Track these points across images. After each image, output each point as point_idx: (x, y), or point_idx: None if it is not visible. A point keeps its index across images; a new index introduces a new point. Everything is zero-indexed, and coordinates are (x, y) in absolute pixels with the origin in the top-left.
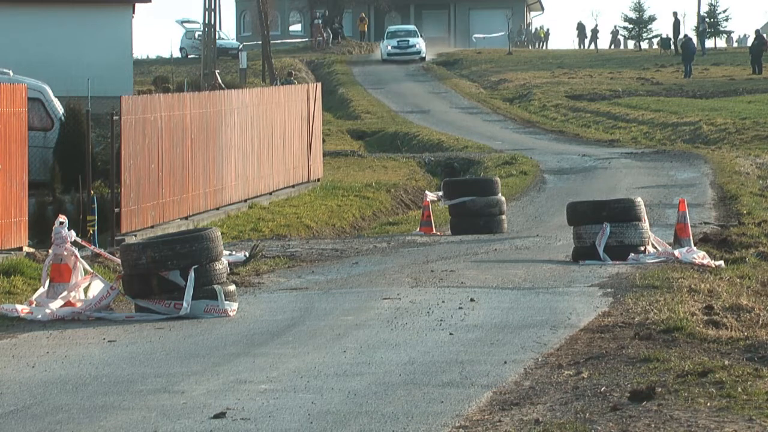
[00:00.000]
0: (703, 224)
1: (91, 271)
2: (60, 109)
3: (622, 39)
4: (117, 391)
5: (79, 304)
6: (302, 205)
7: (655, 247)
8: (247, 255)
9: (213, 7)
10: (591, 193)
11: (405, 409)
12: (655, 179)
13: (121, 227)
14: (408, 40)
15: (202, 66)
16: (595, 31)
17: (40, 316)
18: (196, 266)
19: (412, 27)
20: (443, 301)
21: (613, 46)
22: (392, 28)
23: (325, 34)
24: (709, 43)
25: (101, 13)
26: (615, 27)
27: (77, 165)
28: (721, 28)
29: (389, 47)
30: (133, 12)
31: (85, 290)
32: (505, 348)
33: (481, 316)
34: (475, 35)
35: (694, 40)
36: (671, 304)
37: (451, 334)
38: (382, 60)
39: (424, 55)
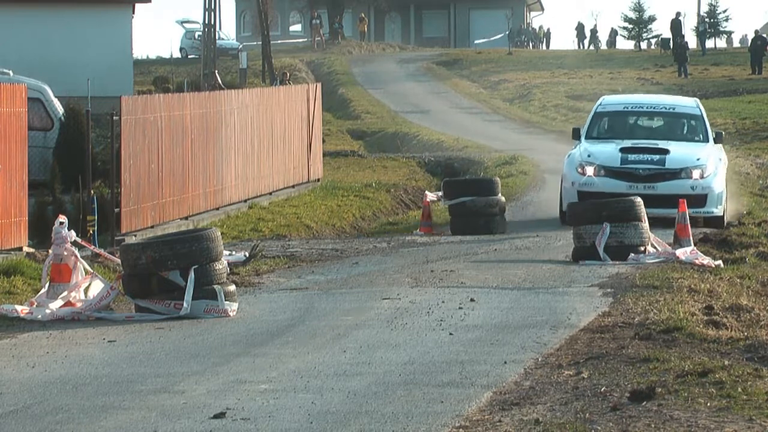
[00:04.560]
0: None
1: (91, 271)
2: (60, 109)
3: (620, 39)
4: (117, 391)
5: (79, 304)
6: (302, 205)
7: (655, 247)
8: (247, 255)
9: (213, 7)
10: None
11: (405, 409)
12: None
13: (121, 227)
14: (666, 151)
15: (202, 66)
16: (594, 32)
17: (40, 316)
18: (196, 266)
19: (690, 102)
20: (443, 301)
21: (603, 46)
22: (613, 99)
23: (322, 34)
24: (709, 44)
25: (101, 13)
26: (612, 29)
27: (77, 165)
28: (721, 29)
29: (592, 170)
30: (133, 12)
31: (85, 290)
32: (505, 348)
33: (481, 316)
34: (477, 41)
35: (694, 40)
36: (671, 304)
37: (451, 334)
38: (565, 217)
39: (720, 213)
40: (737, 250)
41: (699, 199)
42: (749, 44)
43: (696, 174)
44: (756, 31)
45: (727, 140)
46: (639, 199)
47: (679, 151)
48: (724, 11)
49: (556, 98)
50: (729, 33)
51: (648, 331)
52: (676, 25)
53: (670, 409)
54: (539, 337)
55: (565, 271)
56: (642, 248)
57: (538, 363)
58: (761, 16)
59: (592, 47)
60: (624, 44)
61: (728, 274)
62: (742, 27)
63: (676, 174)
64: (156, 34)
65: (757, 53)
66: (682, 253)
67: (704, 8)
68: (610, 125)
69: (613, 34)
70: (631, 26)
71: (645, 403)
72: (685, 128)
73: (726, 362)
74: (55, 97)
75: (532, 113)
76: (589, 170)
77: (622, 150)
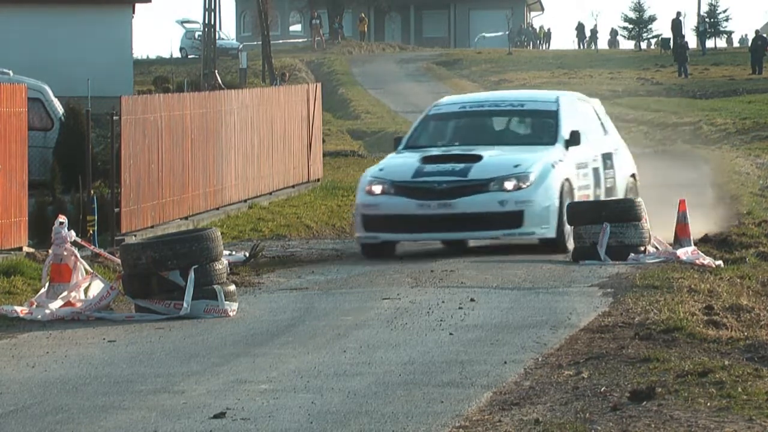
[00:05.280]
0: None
1: (91, 271)
2: (60, 109)
3: (621, 39)
4: (117, 391)
5: (79, 304)
6: (302, 205)
7: (656, 247)
8: (247, 255)
9: (213, 7)
10: None
11: (405, 409)
12: (655, 179)
13: (121, 227)
14: (477, 159)
15: (202, 66)
16: (594, 32)
17: (39, 317)
18: (196, 266)
19: (547, 97)
20: (443, 301)
21: (611, 46)
22: (452, 99)
23: (322, 34)
24: (709, 43)
25: (101, 13)
26: (612, 28)
27: (77, 165)
28: (721, 28)
29: (380, 188)
30: (133, 12)
31: (85, 290)
32: (505, 348)
33: (481, 316)
34: (482, 34)
35: (694, 40)
36: (671, 304)
37: (451, 334)
38: (364, 250)
39: (551, 233)
40: (737, 250)
41: (512, 218)
42: (749, 44)
43: (509, 185)
44: (756, 31)
45: (727, 140)
46: (639, 199)
47: (495, 158)
48: (724, 11)
49: None
50: (729, 33)
51: (648, 331)
52: (676, 25)
53: (670, 409)
54: (539, 337)
55: (565, 271)
56: (642, 248)
57: (538, 363)
58: (761, 16)
59: (592, 47)
60: (624, 44)
61: (728, 274)
62: (742, 27)
63: (481, 186)
64: (156, 34)
65: (758, 53)
66: (683, 253)
67: (704, 8)
68: (441, 131)
69: (614, 33)
70: (631, 26)
71: (645, 403)
72: (534, 129)
73: (726, 362)
74: (55, 97)
75: None
76: (377, 188)
77: (423, 160)
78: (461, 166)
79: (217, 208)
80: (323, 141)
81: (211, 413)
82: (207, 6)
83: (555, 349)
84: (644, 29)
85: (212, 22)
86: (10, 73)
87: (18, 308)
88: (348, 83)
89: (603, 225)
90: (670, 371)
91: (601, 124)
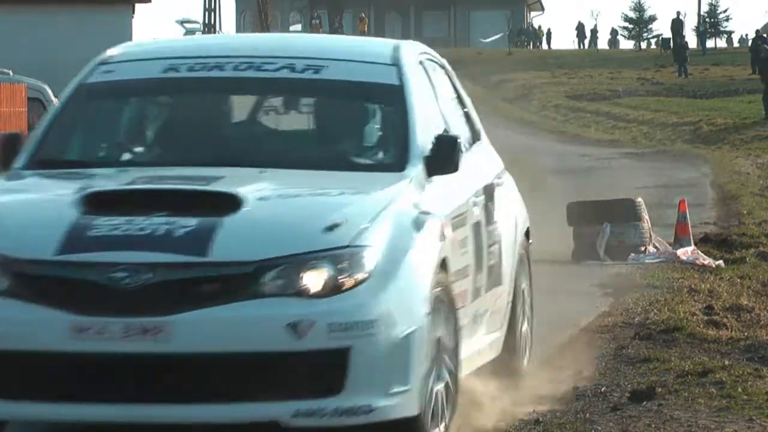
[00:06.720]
0: (703, 224)
1: None
2: None
3: (621, 39)
4: None
5: None
6: None
7: (656, 247)
8: None
9: (213, 7)
10: (591, 193)
11: None
12: (655, 179)
13: None
14: (229, 203)
15: None
16: (594, 31)
17: None
18: None
19: (373, 54)
20: None
21: (611, 46)
22: (139, 49)
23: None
24: (709, 43)
25: (101, 14)
26: (612, 28)
27: None
28: (721, 28)
29: None
30: (133, 12)
31: None
32: None
33: None
34: (481, 39)
35: (694, 39)
36: (671, 304)
37: None
38: None
39: (412, 409)
40: (737, 250)
41: (321, 369)
42: (749, 44)
43: (315, 280)
44: (756, 31)
45: (727, 140)
46: (639, 199)
47: (274, 203)
48: (725, 11)
49: (556, 98)
50: (729, 33)
51: (648, 331)
52: (676, 24)
53: (670, 409)
54: (539, 337)
55: (565, 271)
56: (642, 248)
57: (539, 363)
58: (761, 16)
59: (592, 47)
60: (624, 44)
61: (728, 274)
62: (742, 27)
63: (240, 281)
64: (156, 34)
65: (758, 53)
66: (683, 253)
67: (704, 8)
68: (118, 123)
69: (614, 33)
70: (631, 26)
71: (645, 403)
72: (353, 128)
73: (726, 362)
74: (55, 97)
75: (531, 113)
76: None
77: (89, 202)
78: (191, 223)
79: None
80: None
81: None
82: (207, 6)
83: (555, 349)
84: (644, 29)
85: (212, 22)
86: (10, 73)
87: None
88: None
89: (603, 225)
90: (670, 371)
91: (466, 115)
